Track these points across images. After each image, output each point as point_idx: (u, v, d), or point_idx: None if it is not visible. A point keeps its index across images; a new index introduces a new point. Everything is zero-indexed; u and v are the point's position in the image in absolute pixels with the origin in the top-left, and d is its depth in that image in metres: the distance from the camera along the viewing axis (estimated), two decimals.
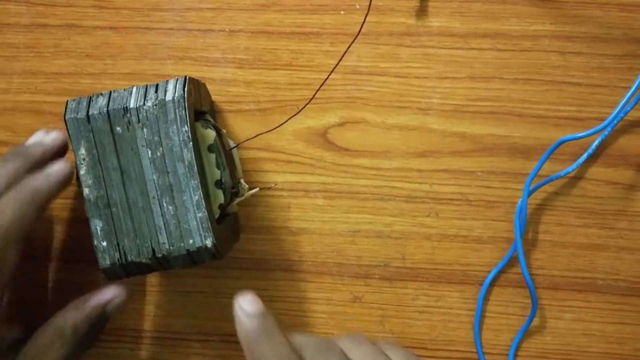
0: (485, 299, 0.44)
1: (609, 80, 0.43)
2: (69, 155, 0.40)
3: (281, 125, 0.43)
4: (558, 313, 0.44)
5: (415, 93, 0.44)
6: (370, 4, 0.42)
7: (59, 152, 0.42)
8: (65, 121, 0.38)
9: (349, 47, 0.41)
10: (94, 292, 0.41)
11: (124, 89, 0.38)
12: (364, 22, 0.41)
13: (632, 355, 0.44)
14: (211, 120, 0.41)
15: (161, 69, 0.45)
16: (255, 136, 0.43)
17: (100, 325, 0.41)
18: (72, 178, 0.40)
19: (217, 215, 0.39)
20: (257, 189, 0.43)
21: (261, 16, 0.44)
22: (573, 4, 0.43)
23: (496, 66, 0.43)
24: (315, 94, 0.42)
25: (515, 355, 0.44)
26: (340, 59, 0.42)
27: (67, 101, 0.38)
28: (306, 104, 0.42)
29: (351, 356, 0.34)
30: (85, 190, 0.37)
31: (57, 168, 0.40)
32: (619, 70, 0.43)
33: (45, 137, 0.42)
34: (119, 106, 0.37)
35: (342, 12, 0.44)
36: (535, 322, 0.44)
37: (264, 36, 0.44)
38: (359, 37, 0.44)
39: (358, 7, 0.44)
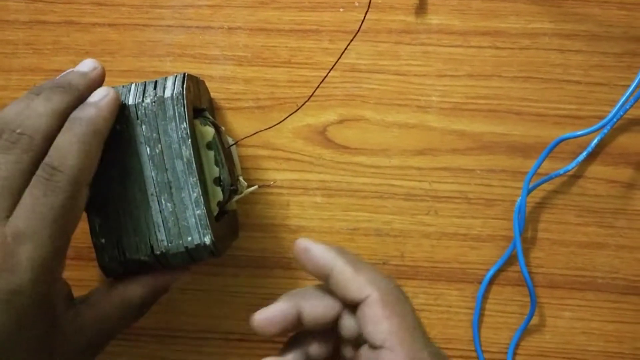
0: (485, 297, 0.44)
1: (608, 79, 0.43)
2: None
3: (280, 122, 0.43)
4: (557, 311, 0.44)
5: (415, 91, 0.44)
6: (370, 2, 0.42)
7: (101, 82, 0.38)
8: None
9: (348, 45, 0.41)
10: (161, 272, 0.39)
11: (123, 86, 0.38)
12: (363, 19, 0.41)
13: (631, 353, 0.43)
14: (210, 117, 0.41)
15: (160, 66, 0.45)
16: (254, 133, 0.43)
17: (156, 300, 0.40)
18: (119, 102, 0.37)
19: (215, 213, 0.39)
20: (256, 186, 0.43)
21: (260, 13, 0.44)
22: (572, 2, 0.43)
23: (495, 64, 0.43)
24: (314, 91, 0.42)
25: (515, 353, 0.44)
26: (340, 57, 0.42)
27: None
28: (305, 102, 0.42)
29: None
30: None
31: (103, 94, 0.36)
32: (619, 68, 0.43)
33: (83, 67, 0.38)
34: None
35: (341, 10, 0.44)
36: (535, 320, 0.44)
37: (262, 33, 0.44)
38: (358, 34, 0.44)
39: (357, 4, 0.44)
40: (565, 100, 0.43)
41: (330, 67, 0.42)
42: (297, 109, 0.43)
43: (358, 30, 0.41)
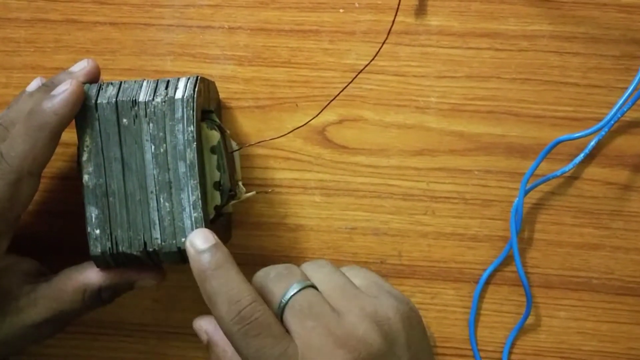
0: (481, 296, 0.44)
1: (606, 81, 0.43)
2: (73, 135, 0.39)
3: (294, 130, 0.43)
4: (552, 311, 0.44)
5: (414, 91, 0.44)
6: (400, 3, 0.42)
7: (91, 80, 0.40)
8: None
9: (381, 47, 0.42)
10: (130, 268, 0.40)
11: (135, 81, 0.38)
12: (393, 21, 0.42)
13: (626, 353, 0.44)
14: (217, 120, 0.41)
15: (161, 65, 0.45)
16: (259, 142, 0.44)
17: (122, 292, 0.41)
18: (80, 97, 0.37)
19: (211, 216, 0.39)
20: (254, 192, 0.43)
21: (260, 13, 0.44)
22: (571, 4, 0.43)
23: (494, 66, 0.44)
24: (339, 93, 0.42)
25: (510, 352, 0.44)
26: (372, 59, 0.43)
27: None
28: (330, 101, 0.43)
29: (312, 280, 0.35)
30: (85, 177, 0.38)
31: (62, 88, 0.37)
32: (617, 70, 0.43)
33: (75, 67, 0.40)
34: (128, 98, 0.38)
35: (341, 10, 0.44)
36: (530, 320, 0.44)
37: (263, 33, 0.44)
38: (356, 35, 0.44)
39: (357, 5, 0.44)
40: (563, 102, 0.43)
41: (334, 67, 0.42)
42: (319, 113, 0.43)
43: (389, 32, 0.41)
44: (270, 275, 0.35)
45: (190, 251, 0.35)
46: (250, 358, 0.33)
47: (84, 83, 0.39)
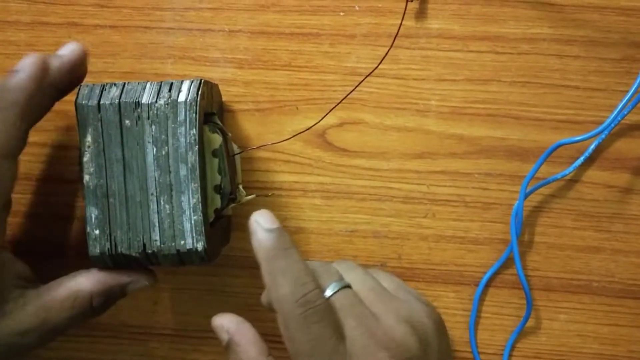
0: (481, 299, 0.44)
1: (606, 84, 0.43)
2: (73, 138, 0.39)
3: (297, 135, 0.43)
4: (553, 314, 0.44)
5: (414, 95, 0.44)
6: (406, 5, 0.42)
7: (76, 66, 0.39)
8: (75, 106, 0.38)
9: (386, 54, 0.42)
10: (120, 272, 0.39)
11: (138, 83, 0.38)
12: (400, 24, 0.42)
13: (626, 356, 0.44)
14: (219, 123, 0.41)
15: (161, 68, 0.45)
16: (261, 146, 0.44)
17: (114, 300, 0.40)
18: (45, 70, 0.37)
19: (211, 219, 0.39)
20: (254, 195, 0.43)
21: (261, 16, 0.44)
22: (572, 7, 0.43)
23: (494, 69, 0.44)
24: (346, 97, 0.42)
25: (510, 355, 0.44)
26: (380, 62, 0.43)
27: (80, 86, 0.39)
28: (335, 106, 0.43)
29: (346, 279, 0.35)
30: (86, 177, 0.38)
31: (25, 63, 0.37)
32: (617, 74, 0.43)
33: (63, 50, 0.39)
34: (131, 100, 0.38)
35: (341, 14, 0.44)
36: (530, 322, 0.44)
37: (263, 36, 0.44)
38: (357, 38, 0.44)
39: (357, 8, 0.44)
40: (563, 105, 0.43)
41: (368, 73, 0.43)
42: (325, 116, 0.43)
43: (396, 35, 0.42)
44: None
45: (256, 228, 0.34)
46: (303, 346, 0.32)
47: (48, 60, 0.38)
